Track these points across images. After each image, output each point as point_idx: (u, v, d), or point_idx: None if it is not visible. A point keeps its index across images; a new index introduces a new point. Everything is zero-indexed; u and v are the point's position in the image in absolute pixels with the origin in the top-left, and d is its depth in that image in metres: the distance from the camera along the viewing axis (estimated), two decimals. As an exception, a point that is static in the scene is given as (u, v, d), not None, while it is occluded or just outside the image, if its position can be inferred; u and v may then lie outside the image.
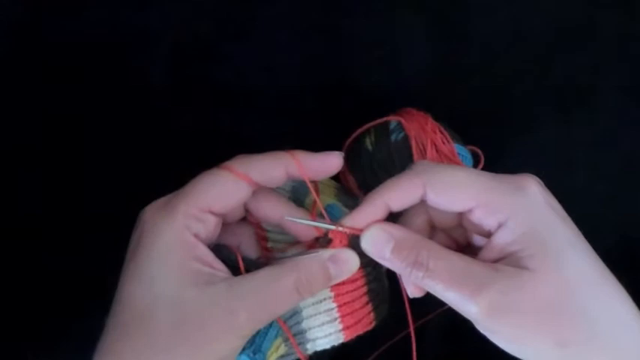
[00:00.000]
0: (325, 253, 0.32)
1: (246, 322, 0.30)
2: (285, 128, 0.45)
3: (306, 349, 0.36)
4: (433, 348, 0.44)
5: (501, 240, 0.30)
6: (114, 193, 0.44)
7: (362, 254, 0.33)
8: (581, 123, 0.48)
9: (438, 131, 0.40)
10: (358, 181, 0.41)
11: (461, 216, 0.32)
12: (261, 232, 0.38)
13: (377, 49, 0.47)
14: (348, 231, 0.32)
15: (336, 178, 0.44)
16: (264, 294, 0.30)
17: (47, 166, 0.45)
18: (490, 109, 0.47)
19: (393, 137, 0.40)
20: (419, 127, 0.40)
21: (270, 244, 0.38)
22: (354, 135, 0.42)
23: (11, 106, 0.46)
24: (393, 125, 0.41)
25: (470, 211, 0.31)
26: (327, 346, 0.35)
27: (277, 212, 0.35)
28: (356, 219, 0.32)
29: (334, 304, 0.34)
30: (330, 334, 0.35)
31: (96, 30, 0.46)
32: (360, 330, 0.35)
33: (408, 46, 0.48)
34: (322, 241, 0.34)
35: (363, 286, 0.35)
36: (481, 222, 0.31)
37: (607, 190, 0.48)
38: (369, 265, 0.35)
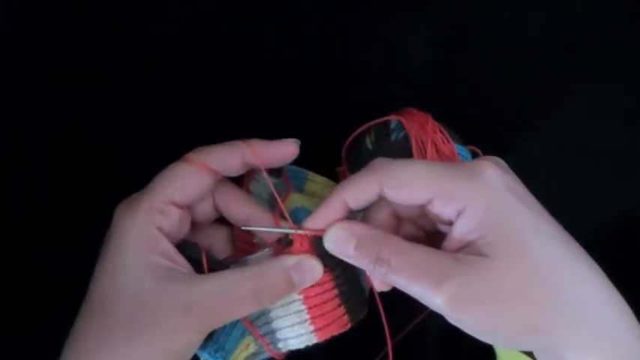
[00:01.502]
0: (288, 261, 0.32)
1: (201, 321, 0.30)
2: (284, 128, 0.45)
3: (279, 349, 0.36)
4: (433, 344, 0.44)
5: (461, 229, 0.30)
6: (114, 193, 0.44)
7: (328, 256, 0.33)
8: (582, 122, 0.48)
9: (438, 131, 0.40)
10: None
11: (423, 207, 0.32)
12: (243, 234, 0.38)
13: (377, 49, 0.47)
14: (309, 233, 0.33)
15: (335, 178, 0.44)
16: (221, 297, 0.31)
17: (47, 166, 0.45)
18: (490, 109, 0.47)
19: (393, 137, 0.40)
20: (419, 127, 0.40)
21: (256, 240, 0.38)
22: (355, 134, 0.42)
23: (11, 106, 0.46)
24: (393, 125, 0.41)
25: (429, 202, 0.30)
26: (301, 346, 0.35)
27: (243, 213, 0.36)
28: (316, 220, 0.32)
29: (304, 307, 0.34)
30: (302, 334, 0.35)
31: (96, 30, 0.46)
32: (333, 331, 0.35)
33: (408, 46, 0.48)
34: (284, 242, 0.34)
35: (332, 288, 0.35)
36: (441, 212, 0.30)
37: (607, 189, 0.48)
38: (337, 267, 0.34)
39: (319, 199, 0.43)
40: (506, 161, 0.45)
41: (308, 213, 0.35)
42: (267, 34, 0.47)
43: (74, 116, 0.46)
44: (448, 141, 0.40)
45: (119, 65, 0.46)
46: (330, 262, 0.34)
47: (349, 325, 0.35)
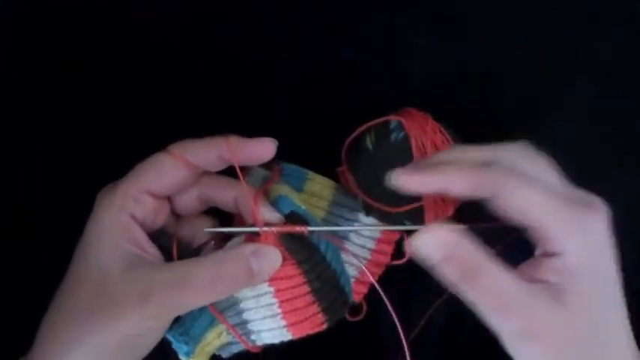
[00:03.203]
0: (247, 249, 0.33)
1: (156, 308, 0.31)
2: (284, 127, 0.45)
3: (253, 341, 0.36)
4: (431, 345, 0.44)
5: (551, 267, 0.30)
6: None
7: (296, 250, 0.34)
8: (582, 122, 0.48)
9: (438, 131, 0.40)
10: (358, 181, 0.41)
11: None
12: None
13: (377, 49, 0.47)
14: (275, 230, 0.34)
15: (335, 177, 0.44)
16: (177, 285, 0.31)
17: (47, 166, 0.45)
18: (490, 109, 0.47)
19: (393, 137, 0.40)
20: (419, 127, 0.40)
21: (249, 223, 0.38)
22: (354, 134, 0.42)
23: (11, 105, 0.46)
24: (393, 125, 0.41)
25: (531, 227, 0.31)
26: (275, 341, 0.36)
27: (230, 195, 0.36)
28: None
29: (275, 300, 0.35)
30: (274, 328, 0.35)
31: (96, 29, 0.46)
32: (308, 329, 0.35)
33: (408, 45, 0.48)
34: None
35: (303, 284, 0.34)
36: (536, 241, 0.31)
37: (607, 189, 0.48)
38: (306, 261, 0.34)
39: (318, 198, 0.43)
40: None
41: (290, 202, 0.36)
42: (267, 33, 0.47)
43: (74, 116, 0.46)
44: (448, 141, 0.40)
45: (119, 65, 0.46)
46: (298, 256, 0.34)
47: (325, 325, 0.35)
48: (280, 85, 0.47)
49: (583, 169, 0.48)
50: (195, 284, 0.31)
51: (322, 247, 0.36)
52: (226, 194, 0.36)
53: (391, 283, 0.39)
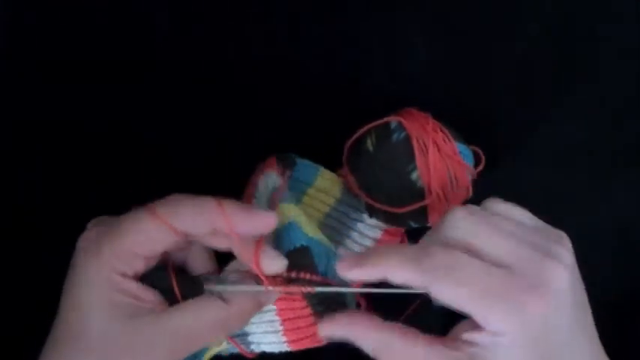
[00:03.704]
0: (259, 289, 0.33)
1: (167, 356, 0.31)
2: (284, 128, 0.45)
3: (252, 349, 0.36)
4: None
5: (480, 339, 0.28)
6: (114, 193, 0.44)
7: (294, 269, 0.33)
8: (582, 123, 0.48)
9: (439, 130, 0.40)
10: (359, 182, 0.41)
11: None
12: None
13: (377, 49, 0.47)
14: (279, 290, 0.33)
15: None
16: (185, 332, 0.31)
17: (47, 166, 0.45)
18: (490, 109, 0.47)
19: (394, 137, 0.40)
20: (420, 127, 0.40)
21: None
22: (355, 136, 0.42)
23: (11, 105, 0.46)
24: (393, 125, 0.41)
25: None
26: (273, 351, 0.36)
27: (224, 244, 0.34)
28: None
29: (277, 317, 0.35)
30: (274, 342, 0.35)
31: (96, 29, 0.46)
32: (307, 345, 0.35)
33: (408, 46, 0.47)
34: None
35: (306, 307, 0.34)
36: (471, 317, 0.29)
37: (608, 189, 0.48)
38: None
39: (325, 194, 0.43)
40: (506, 161, 0.46)
41: (299, 233, 0.35)
42: (267, 34, 0.47)
43: (74, 116, 0.46)
44: (449, 140, 0.40)
45: (120, 65, 0.46)
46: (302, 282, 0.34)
47: (324, 341, 0.35)
48: (280, 85, 0.46)
49: (583, 169, 0.49)
50: (204, 328, 0.31)
51: (322, 268, 0.35)
52: (222, 244, 0.34)
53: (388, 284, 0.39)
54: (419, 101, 0.43)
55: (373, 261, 0.30)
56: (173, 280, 0.33)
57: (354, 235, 0.42)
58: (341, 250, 0.42)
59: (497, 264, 0.28)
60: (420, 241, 0.31)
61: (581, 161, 0.48)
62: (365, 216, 0.43)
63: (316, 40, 0.47)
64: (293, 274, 0.33)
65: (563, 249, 0.29)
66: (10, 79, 0.46)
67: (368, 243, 0.43)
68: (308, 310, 0.34)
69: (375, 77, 0.47)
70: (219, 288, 0.33)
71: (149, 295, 0.32)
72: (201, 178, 0.44)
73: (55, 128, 0.45)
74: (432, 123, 0.40)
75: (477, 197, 0.38)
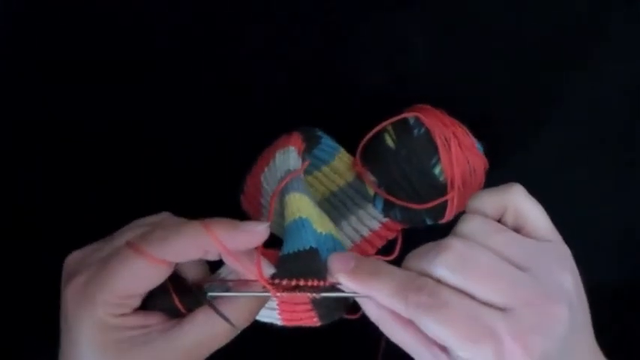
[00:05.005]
0: (266, 295, 0.33)
1: None
2: (284, 128, 0.45)
3: None
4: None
5: None
6: (114, 193, 0.44)
7: (301, 274, 0.33)
8: (582, 122, 0.48)
9: (457, 124, 0.40)
10: (379, 180, 0.41)
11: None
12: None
13: (377, 49, 0.47)
14: (284, 295, 0.33)
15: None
16: (202, 340, 0.32)
17: (47, 166, 0.45)
18: (491, 109, 0.47)
19: (415, 132, 0.40)
20: (438, 121, 0.40)
21: (263, 201, 0.40)
22: (371, 133, 0.41)
23: (11, 105, 0.46)
24: (412, 121, 0.40)
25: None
26: (265, 320, 0.36)
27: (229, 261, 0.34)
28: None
29: (275, 300, 0.35)
30: (268, 316, 0.36)
31: (96, 29, 0.46)
32: (300, 324, 0.36)
33: (408, 46, 0.47)
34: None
35: (310, 310, 0.35)
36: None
37: (608, 189, 0.48)
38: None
39: (339, 175, 0.43)
40: (506, 161, 0.46)
41: (309, 230, 0.35)
42: (267, 34, 0.47)
43: (74, 116, 0.46)
44: (467, 134, 0.40)
45: (120, 65, 0.46)
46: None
47: (319, 324, 0.35)
48: (280, 85, 0.46)
49: (583, 169, 0.49)
50: (215, 338, 0.32)
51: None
52: (214, 257, 0.34)
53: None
54: (419, 101, 0.43)
55: (363, 278, 0.30)
56: (175, 299, 0.32)
57: (352, 219, 0.43)
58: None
59: (490, 305, 0.28)
60: (412, 266, 0.30)
61: (582, 161, 0.48)
62: (369, 205, 0.43)
63: (316, 40, 0.47)
64: (301, 282, 0.32)
65: (565, 272, 0.29)
66: (10, 79, 0.46)
67: (363, 231, 0.43)
68: (308, 306, 0.35)
69: (375, 77, 0.47)
70: (224, 294, 0.33)
71: (154, 319, 0.32)
72: (201, 178, 0.44)
73: (55, 128, 0.45)
74: (448, 117, 0.40)
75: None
